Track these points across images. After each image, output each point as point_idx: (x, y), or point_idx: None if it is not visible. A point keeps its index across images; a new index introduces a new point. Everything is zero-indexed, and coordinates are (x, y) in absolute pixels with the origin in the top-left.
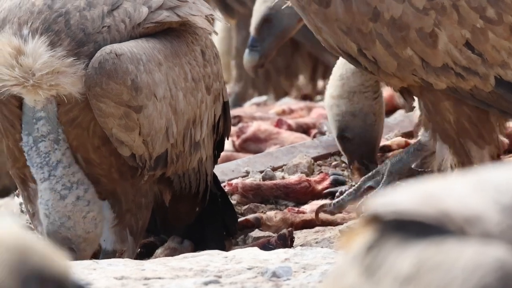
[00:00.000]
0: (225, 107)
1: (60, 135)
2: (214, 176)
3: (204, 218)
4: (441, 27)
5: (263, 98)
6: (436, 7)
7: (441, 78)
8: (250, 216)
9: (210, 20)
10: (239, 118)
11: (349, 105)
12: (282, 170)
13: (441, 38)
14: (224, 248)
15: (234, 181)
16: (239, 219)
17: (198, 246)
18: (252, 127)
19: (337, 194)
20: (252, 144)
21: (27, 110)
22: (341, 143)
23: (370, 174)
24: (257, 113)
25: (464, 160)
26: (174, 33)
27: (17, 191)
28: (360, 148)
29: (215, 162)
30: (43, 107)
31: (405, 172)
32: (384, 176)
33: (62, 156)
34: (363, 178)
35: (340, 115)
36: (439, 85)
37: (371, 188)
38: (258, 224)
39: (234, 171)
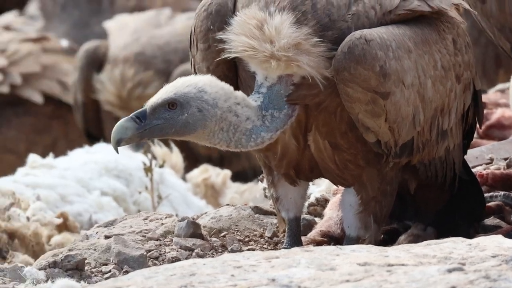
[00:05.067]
0: (476, 96)
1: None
2: (464, 161)
3: (451, 204)
4: None
5: (508, 84)
6: None
7: None
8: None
9: (460, 9)
10: (483, 105)
11: None
12: None
13: None
14: (469, 235)
15: (478, 168)
16: None
17: (441, 233)
18: (496, 114)
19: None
20: (496, 131)
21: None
22: None
23: None
24: (501, 100)
25: None
26: (426, 20)
27: (261, 176)
28: None
29: (464, 151)
30: (271, 85)
31: None
32: None
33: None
34: None
35: None
36: None
37: None
38: (499, 211)
39: (478, 158)
